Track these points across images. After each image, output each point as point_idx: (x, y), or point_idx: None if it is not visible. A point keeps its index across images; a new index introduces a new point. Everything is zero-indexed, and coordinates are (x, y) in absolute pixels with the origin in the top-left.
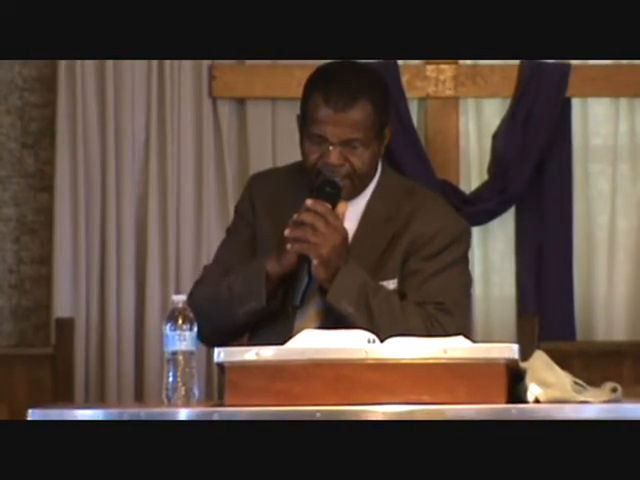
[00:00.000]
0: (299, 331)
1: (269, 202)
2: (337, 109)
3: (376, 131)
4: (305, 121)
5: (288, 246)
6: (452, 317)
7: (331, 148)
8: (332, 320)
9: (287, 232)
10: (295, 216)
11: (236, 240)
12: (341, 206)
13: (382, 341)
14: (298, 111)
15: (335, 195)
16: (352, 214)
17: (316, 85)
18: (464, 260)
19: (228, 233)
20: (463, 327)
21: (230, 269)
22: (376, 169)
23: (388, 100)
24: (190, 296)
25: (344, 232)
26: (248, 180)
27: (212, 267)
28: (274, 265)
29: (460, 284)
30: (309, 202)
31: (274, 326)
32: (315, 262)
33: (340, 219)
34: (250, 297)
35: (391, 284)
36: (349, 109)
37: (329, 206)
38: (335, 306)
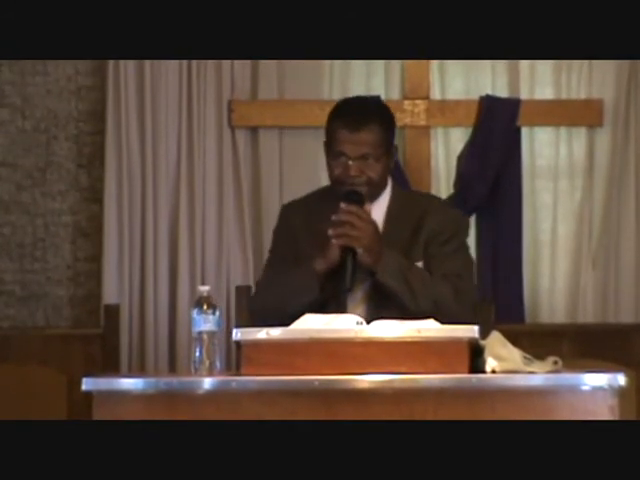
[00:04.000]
0: (352, 313)
1: (306, 222)
2: (352, 131)
3: (385, 148)
4: (329, 143)
5: (333, 241)
6: (468, 284)
7: (350, 162)
8: (376, 301)
9: (330, 232)
10: (334, 217)
11: (279, 259)
12: (366, 206)
13: (419, 307)
14: (301, 137)
15: (359, 201)
16: (377, 216)
17: (336, 114)
18: (466, 244)
19: (271, 254)
20: (475, 291)
21: (278, 278)
22: (387, 180)
23: (393, 124)
24: (249, 306)
25: (375, 223)
26: (282, 208)
27: (262, 282)
28: (320, 263)
29: (469, 261)
30: (343, 205)
31: (329, 312)
32: (360, 251)
33: (369, 214)
34: (303, 291)
35: (418, 265)
36: (362, 130)
37: (361, 209)
38: (383, 282)
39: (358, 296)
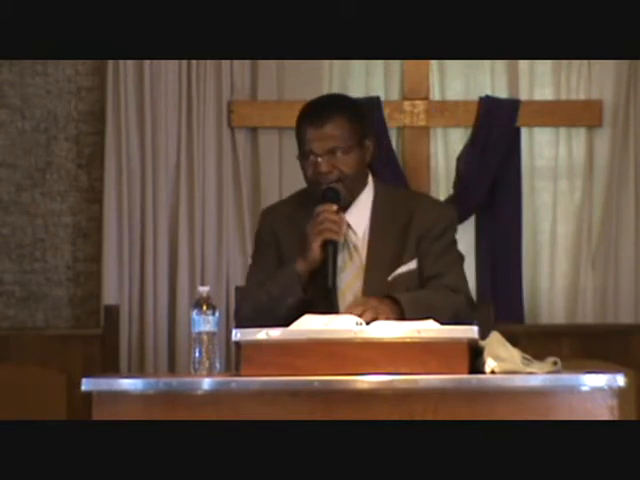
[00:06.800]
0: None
1: (287, 225)
2: (317, 126)
3: (354, 140)
4: (299, 145)
5: (316, 241)
6: (463, 282)
7: (319, 159)
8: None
9: (309, 228)
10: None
11: (263, 262)
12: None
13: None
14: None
15: (336, 198)
16: (362, 218)
17: (303, 114)
18: (455, 239)
19: (254, 259)
20: (467, 286)
21: (263, 282)
22: (365, 176)
23: (364, 117)
24: (237, 312)
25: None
26: (262, 213)
27: (247, 287)
28: (301, 264)
29: (459, 257)
30: (318, 208)
31: (321, 308)
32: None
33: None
34: (288, 295)
35: (413, 264)
36: (326, 124)
37: (334, 206)
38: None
39: (349, 299)
